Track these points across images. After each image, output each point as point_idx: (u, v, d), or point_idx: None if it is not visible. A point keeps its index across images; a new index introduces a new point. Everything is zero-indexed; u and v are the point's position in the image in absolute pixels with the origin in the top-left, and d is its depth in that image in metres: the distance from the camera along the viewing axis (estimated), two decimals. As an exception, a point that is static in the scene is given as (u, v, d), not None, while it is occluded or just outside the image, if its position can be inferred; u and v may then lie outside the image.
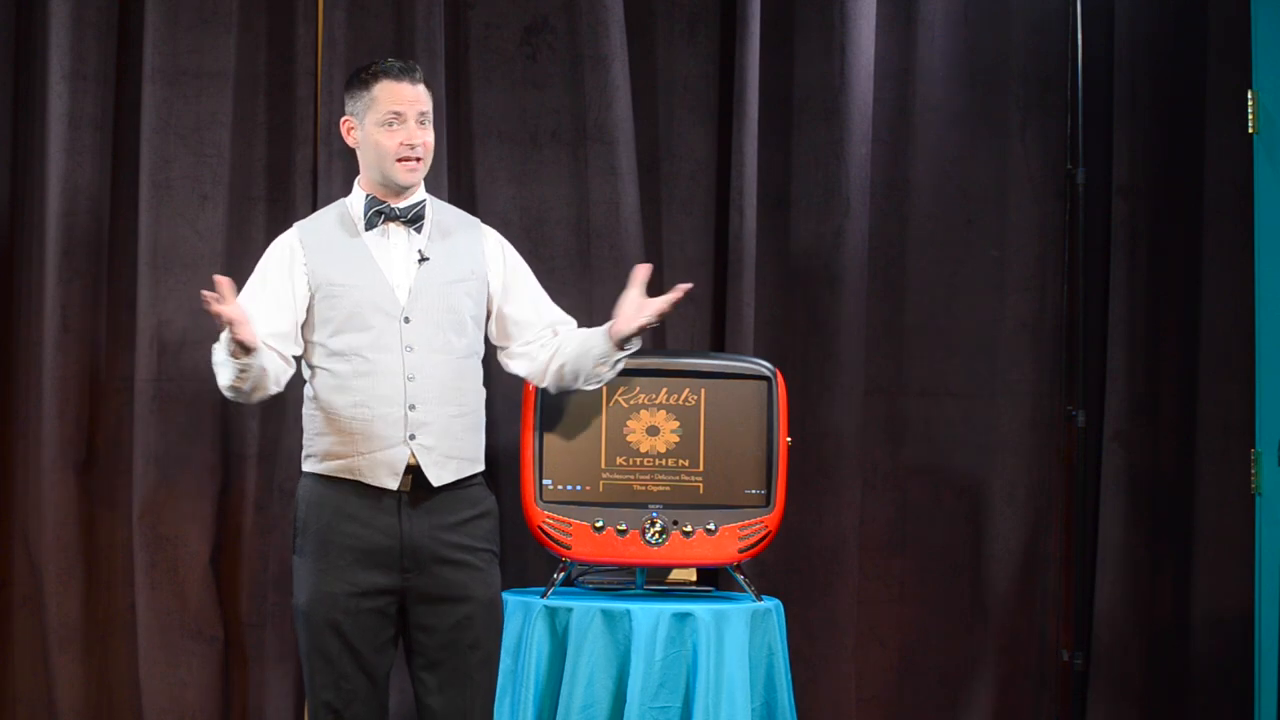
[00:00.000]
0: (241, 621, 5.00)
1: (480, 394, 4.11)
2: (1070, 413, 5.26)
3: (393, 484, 3.93)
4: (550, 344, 4.19)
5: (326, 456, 3.96)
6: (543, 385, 4.25)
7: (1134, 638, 5.25)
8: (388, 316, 3.95)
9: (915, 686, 5.28)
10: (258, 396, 4.00)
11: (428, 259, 4.00)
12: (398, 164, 3.99)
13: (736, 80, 5.11)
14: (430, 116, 4.04)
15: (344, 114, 4.09)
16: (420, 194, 4.06)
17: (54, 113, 4.88)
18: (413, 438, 3.93)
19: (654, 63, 5.19)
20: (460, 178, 5.06)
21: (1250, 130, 5.14)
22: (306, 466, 4.02)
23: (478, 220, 4.21)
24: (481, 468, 4.07)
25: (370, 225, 4.00)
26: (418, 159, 4.00)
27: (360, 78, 4.04)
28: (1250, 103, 5.13)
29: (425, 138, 4.01)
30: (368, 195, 4.03)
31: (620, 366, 4.16)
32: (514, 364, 4.23)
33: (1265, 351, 5.13)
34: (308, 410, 4.06)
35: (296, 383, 4.13)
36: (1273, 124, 5.09)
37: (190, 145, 4.96)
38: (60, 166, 4.89)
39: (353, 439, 3.94)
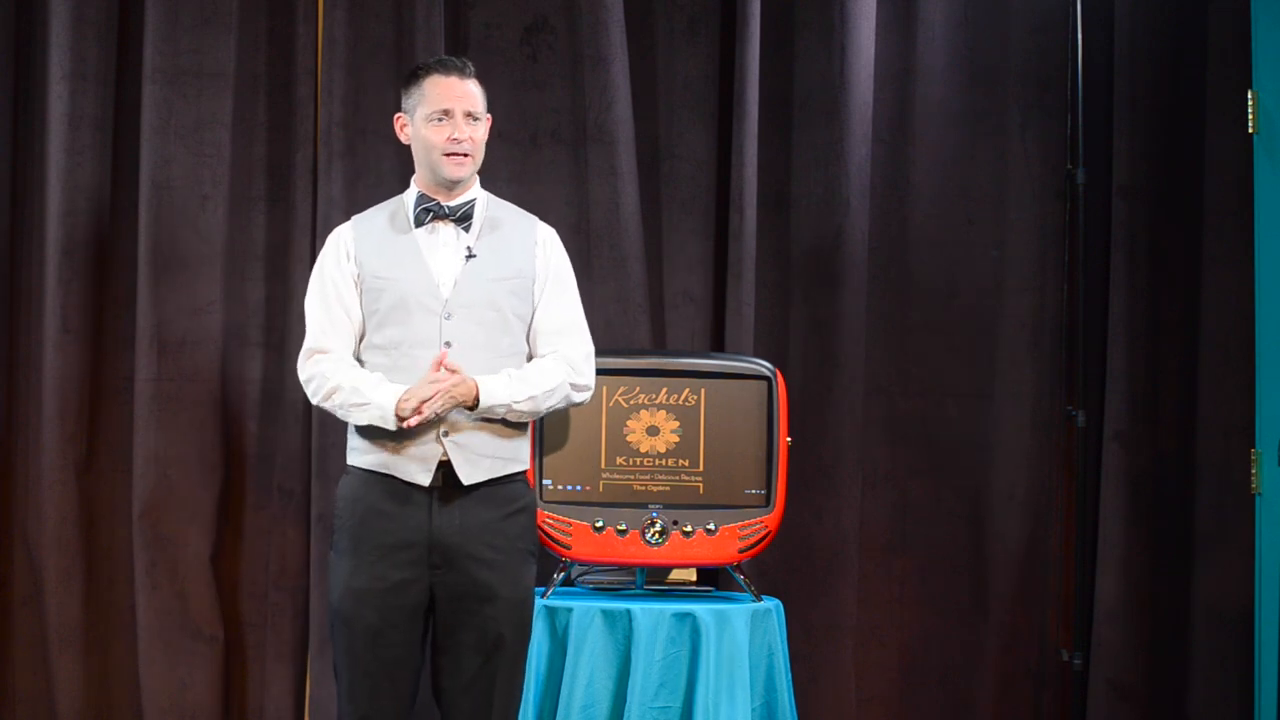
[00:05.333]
0: (241, 621, 5.00)
1: None
2: (1070, 413, 5.26)
3: (424, 480, 3.92)
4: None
5: (365, 450, 3.97)
6: None
7: (1134, 638, 5.25)
8: (428, 312, 3.94)
9: (915, 686, 5.28)
10: None
11: (475, 255, 3.99)
12: (445, 159, 3.98)
13: (736, 80, 5.10)
14: (481, 114, 4.01)
15: (399, 110, 4.08)
16: (473, 192, 4.04)
17: (54, 113, 4.88)
18: (445, 434, 3.93)
19: (654, 63, 5.19)
20: (460, 178, 5.06)
21: (1250, 130, 5.14)
22: (350, 459, 4.01)
23: (535, 218, 4.12)
24: (521, 466, 4.01)
25: (419, 223, 4.00)
26: (465, 154, 3.99)
27: (414, 73, 4.04)
28: (1250, 103, 5.13)
29: (473, 133, 3.99)
30: (420, 192, 4.03)
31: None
32: None
33: (1265, 351, 5.12)
34: None
35: (299, 386, 4.10)
36: (1273, 124, 5.08)
37: (190, 145, 4.96)
38: (60, 166, 4.89)
39: (388, 432, 3.93)
